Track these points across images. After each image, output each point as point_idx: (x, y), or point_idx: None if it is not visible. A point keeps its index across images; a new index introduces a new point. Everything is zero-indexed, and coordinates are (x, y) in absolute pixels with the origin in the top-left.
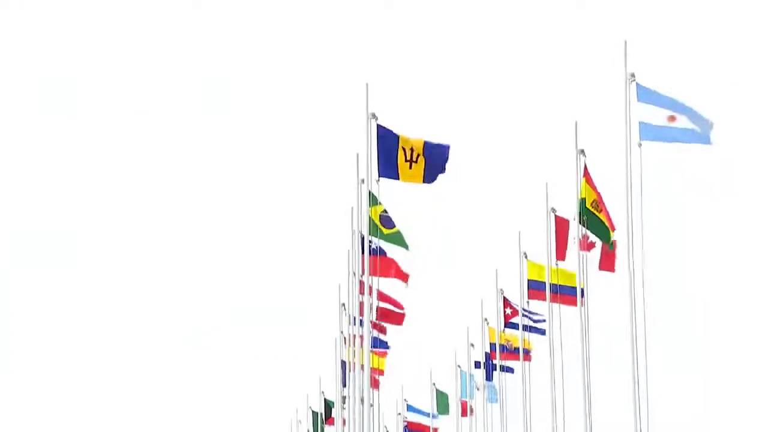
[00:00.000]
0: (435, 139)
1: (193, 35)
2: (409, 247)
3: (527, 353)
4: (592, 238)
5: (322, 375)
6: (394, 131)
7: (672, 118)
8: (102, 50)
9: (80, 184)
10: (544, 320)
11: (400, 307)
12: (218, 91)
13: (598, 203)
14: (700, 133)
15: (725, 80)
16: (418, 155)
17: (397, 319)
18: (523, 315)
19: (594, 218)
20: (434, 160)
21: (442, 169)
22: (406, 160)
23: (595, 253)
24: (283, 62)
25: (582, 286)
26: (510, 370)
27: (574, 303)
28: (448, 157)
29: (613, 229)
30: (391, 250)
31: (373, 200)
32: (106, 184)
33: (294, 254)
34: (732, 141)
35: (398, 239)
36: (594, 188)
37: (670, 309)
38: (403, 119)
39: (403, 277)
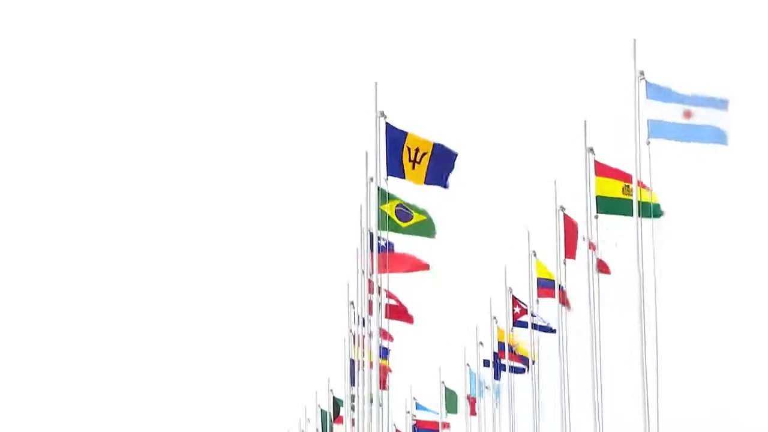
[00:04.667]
0: (445, 140)
1: (203, 36)
2: (436, 233)
3: (533, 362)
4: (601, 237)
5: (331, 373)
6: (403, 129)
7: (687, 114)
8: (102, 50)
9: (81, 184)
10: (553, 330)
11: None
12: (228, 90)
13: (629, 185)
14: (715, 132)
15: (736, 78)
16: (424, 155)
17: (407, 317)
18: (532, 314)
19: (625, 203)
20: (439, 166)
21: (445, 182)
22: (409, 160)
23: (601, 253)
24: (293, 61)
25: (588, 286)
26: (520, 370)
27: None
28: (454, 166)
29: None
30: (406, 244)
31: (384, 196)
32: (112, 185)
33: (303, 252)
34: (744, 139)
35: (419, 229)
36: (618, 176)
37: (680, 309)
38: (411, 118)
39: (423, 266)
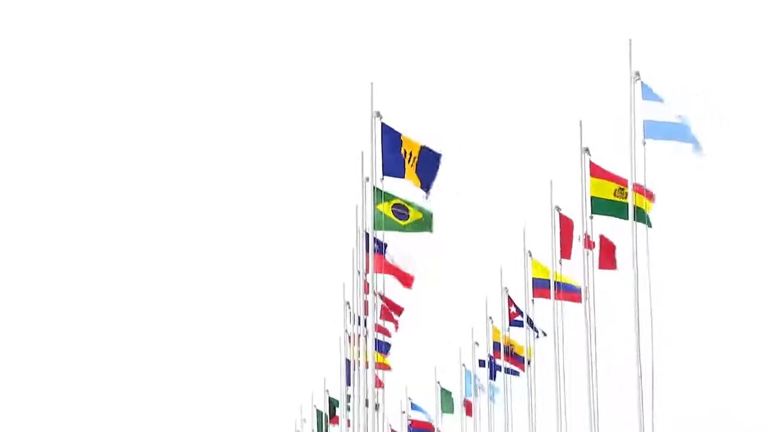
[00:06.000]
0: (438, 141)
1: (200, 35)
2: (433, 228)
3: (529, 362)
4: (594, 237)
5: (327, 374)
6: (397, 130)
7: (678, 116)
8: (102, 50)
9: (81, 184)
10: (545, 334)
11: (398, 310)
12: (224, 90)
13: (624, 189)
14: (699, 141)
15: (731, 78)
16: (414, 158)
17: (397, 310)
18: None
19: (618, 205)
20: (426, 168)
21: (427, 190)
22: (408, 162)
23: (598, 252)
24: (288, 61)
25: (586, 286)
26: (514, 372)
27: (579, 299)
28: (436, 173)
29: (652, 200)
30: (401, 249)
31: (380, 197)
32: (108, 184)
33: (298, 253)
34: (739, 139)
35: (417, 226)
36: (611, 179)
37: (675, 308)
38: (407, 118)
39: (408, 281)
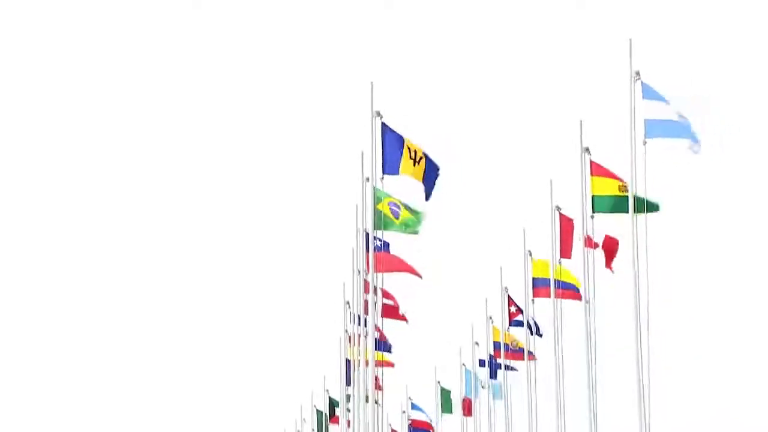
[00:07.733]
0: (438, 140)
1: (200, 35)
2: (419, 231)
3: (531, 353)
4: (596, 237)
5: (327, 373)
6: (399, 133)
7: (678, 115)
8: (102, 50)
9: (81, 184)
10: (540, 335)
11: (398, 306)
12: (224, 90)
13: (624, 183)
14: (698, 139)
15: (730, 78)
16: (421, 158)
17: (402, 316)
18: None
19: (623, 200)
20: (427, 177)
21: (427, 196)
22: (410, 158)
23: (600, 251)
24: (289, 61)
25: (584, 285)
26: (513, 369)
27: (579, 297)
28: (435, 183)
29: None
30: (400, 249)
31: (380, 196)
32: (107, 184)
33: (299, 252)
34: (739, 139)
35: (406, 225)
36: (612, 176)
37: (675, 307)
38: (407, 117)
39: (414, 271)
